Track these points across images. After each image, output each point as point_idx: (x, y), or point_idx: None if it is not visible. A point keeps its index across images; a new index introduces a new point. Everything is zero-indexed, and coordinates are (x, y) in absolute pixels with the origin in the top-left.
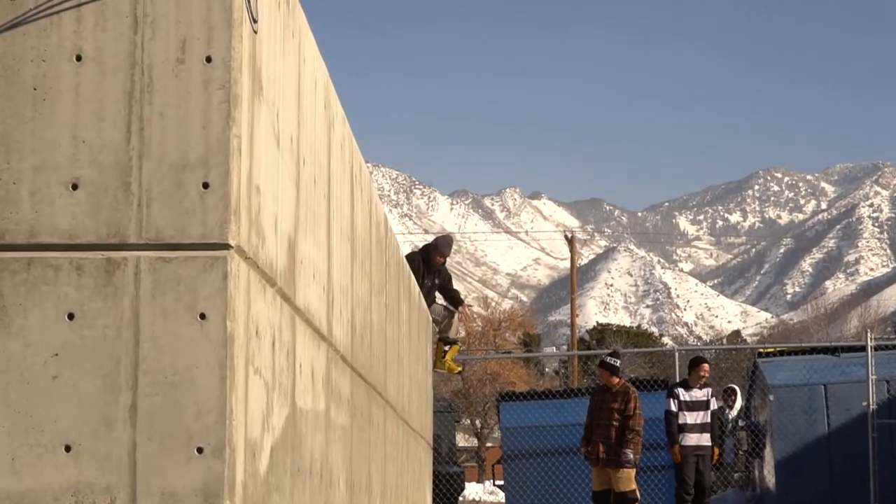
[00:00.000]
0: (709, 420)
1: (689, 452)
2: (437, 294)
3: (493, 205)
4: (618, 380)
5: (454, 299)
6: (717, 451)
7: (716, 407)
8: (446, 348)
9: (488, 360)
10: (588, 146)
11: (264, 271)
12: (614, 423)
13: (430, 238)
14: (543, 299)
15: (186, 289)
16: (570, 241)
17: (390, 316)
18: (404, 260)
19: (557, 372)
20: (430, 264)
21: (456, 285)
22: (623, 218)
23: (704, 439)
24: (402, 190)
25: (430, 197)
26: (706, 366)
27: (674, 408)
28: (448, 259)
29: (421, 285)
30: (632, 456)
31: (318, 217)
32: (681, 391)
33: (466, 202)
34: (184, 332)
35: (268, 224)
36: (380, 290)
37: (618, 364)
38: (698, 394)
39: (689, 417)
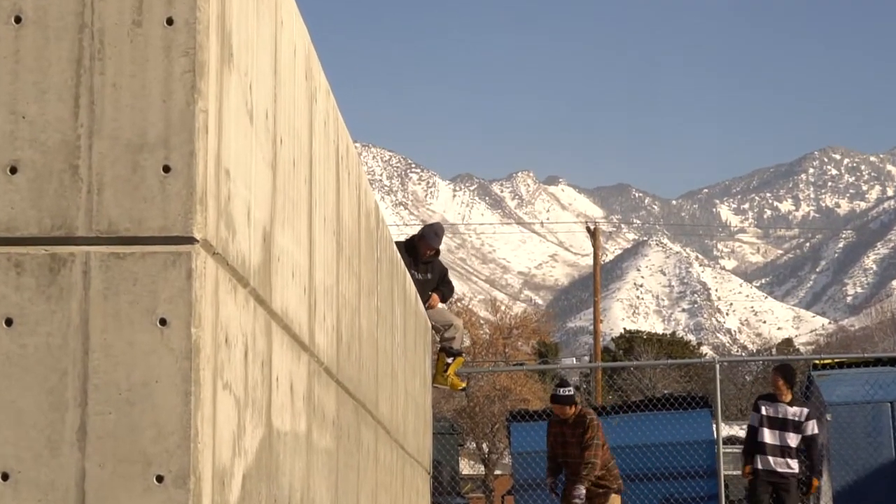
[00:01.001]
0: (795, 444)
1: (762, 478)
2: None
3: (502, 191)
4: (572, 409)
5: (441, 294)
6: (814, 482)
7: (815, 431)
8: (449, 360)
9: (497, 373)
10: (614, 124)
11: (235, 269)
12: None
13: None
14: (561, 302)
15: (144, 290)
16: (593, 234)
17: (383, 322)
18: (399, 256)
19: (578, 387)
20: (416, 256)
21: (457, 284)
22: (654, 207)
23: (785, 465)
24: (396, 174)
25: (428, 182)
26: (788, 376)
27: (754, 423)
28: (440, 250)
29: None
30: (583, 490)
31: (299, 205)
32: (764, 405)
33: (471, 188)
34: (141, 340)
35: (239, 214)
36: (370, 291)
37: (570, 393)
38: (788, 410)
39: (769, 436)
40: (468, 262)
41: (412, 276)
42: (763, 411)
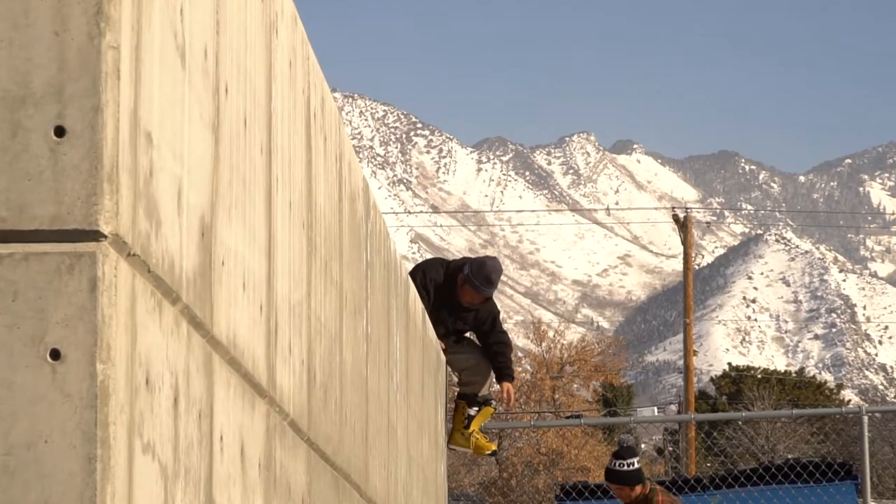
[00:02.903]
0: None
1: None
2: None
3: (550, 163)
4: (637, 490)
5: (499, 366)
6: None
7: None
8: (472, 412)
9: (542, 429)
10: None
11: (160, 278)
12: None
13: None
14: (637, 325)
15: (27, 308)
16: (683, 226)
17: (375, 354)
18: (397, 258)
19: (661, 450)
20: (453, 295)
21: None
22: (773, 185)
23: None
24: (394, 138)
25: (441, 150)
26: None
27: None
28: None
29: (433, 322)
30: None
31: (252, 185)
32: None
33: (504, 158)
34: (23, 381)
35: (166, 197)
36: (357, 309)
37: (633, 468)
38: None
39: None
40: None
41: (436, 319)
42: None
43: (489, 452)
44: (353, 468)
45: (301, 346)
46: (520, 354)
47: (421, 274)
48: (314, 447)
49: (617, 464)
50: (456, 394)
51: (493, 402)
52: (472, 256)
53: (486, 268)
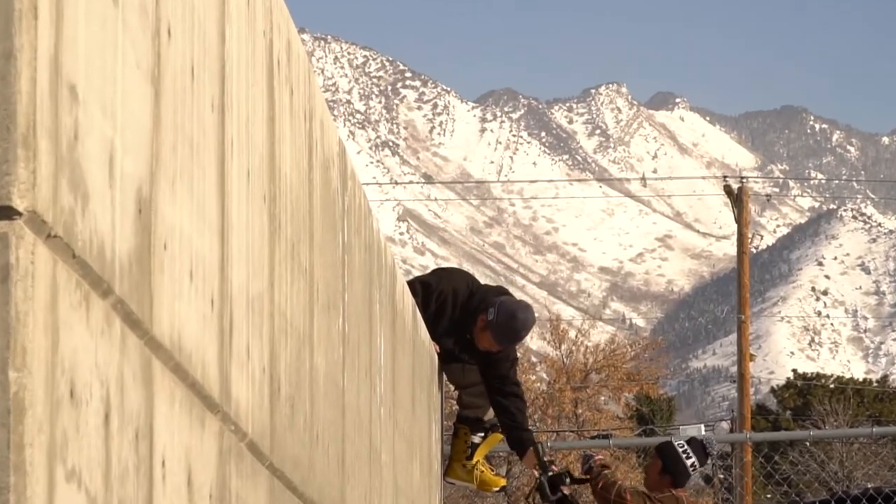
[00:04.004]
0: None
1: None
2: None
3: (572, 121)
4: (669, 482)
5: (512, 425)
6: None
7: None
8: (475, 439)
9: (561, 452)
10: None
11: (88, 265)
12: None
13: (436, 202)
14: (680, 323)
15: None
16: (737, 199)
17: (353, 359)
18: (382, 240)
19: (709, 478)
20: (467, 327)
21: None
22: (850, 149)
23: None
24: (377, 91)
25: (436, 105)
26: None
27: None
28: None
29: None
30: None
31: (201, 150)
32: None
33: (514, 116)
34: None
35: (95, 166)
36: (331, 303)
37: (691, 461)
38: None
39: None
40: (510, 250)
41: (442, 346)
42: None
43: (497, 489)
44: (326, 500)
45: (262, 349)
46: (534, 359)
47: (435, 280)
48: (278, 474)
49: (681, 447)
50: (457, 415)
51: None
52: (504, 296)
53: (516, 321)
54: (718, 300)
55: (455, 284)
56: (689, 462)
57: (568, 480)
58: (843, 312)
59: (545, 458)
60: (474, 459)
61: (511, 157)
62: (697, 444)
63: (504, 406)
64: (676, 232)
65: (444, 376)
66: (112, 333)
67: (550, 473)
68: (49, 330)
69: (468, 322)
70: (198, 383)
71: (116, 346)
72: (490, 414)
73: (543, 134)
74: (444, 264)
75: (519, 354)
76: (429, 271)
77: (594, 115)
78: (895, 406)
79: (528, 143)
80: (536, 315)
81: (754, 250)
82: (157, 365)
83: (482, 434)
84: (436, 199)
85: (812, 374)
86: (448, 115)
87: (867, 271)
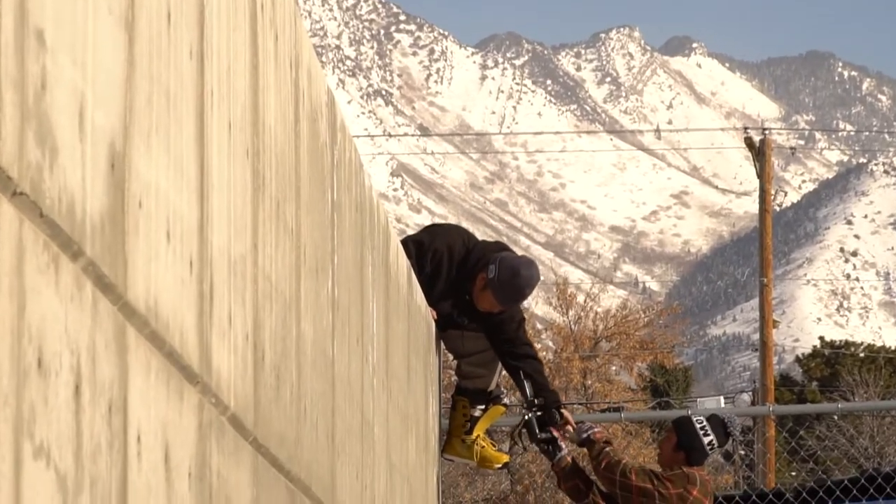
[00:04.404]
0: None
1: None
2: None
3: (580, 68)
4: (682, 457)
5: (538, 385)
6: None
7: None
8: (475, 413)
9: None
10: None
11: (57, 225)
12: None
13: (433, 155)
14: (697, 287)
15: None
16: (759, 152)
17: (343, 326)
18: (374, 197)
19: (729, 455)
20: (466, 288)
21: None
22: (881, 98)
23: None
24: (369, 35)
25: (433, 51)
26: None
27: None
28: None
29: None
30: None
31: (179, 102)
32: None
33: (517, 62)
34: None
35: (64, 118)
36: (319, 265)
37: (709, 438)
38: None
39: None
40: (513, 208)
41: (439, 310)
42: None
43: (499, 466)
44: (314, 478)
45: (245, 315)
46: (539, 326)
47: (428, 239)
48: (263, 451)
49: (699, 423)
50: (455, 387)
51: (503, 399)
52: (505, 252)
53: (519, 278)
54: (739, 262)
55: (450, 241)
56: (706, 440)
57: (559, 420)
58: (874, 275)
59: (534, 398)
60: (474, 434)
61: (514, 108)
62: (718, 422)
63: (521, 368)
64: (693, 188)
65: (443, 344)
66: (83, 299)
67: (539, 413)
68: (14, 295)
69: (466, 282)
70: (175, 352)
71: (88, 312)
72: (492, 384)
73: (549, 82)
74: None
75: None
76: (421, 229)
77: (604, 62)
78: None
79: (533, 91)
80: (542, 279)
81: (777, 208)
82: (131, 332)
83: (482, 407)
84: (432, 153)
85: (840, 341)
86: (445, 61)
87: None
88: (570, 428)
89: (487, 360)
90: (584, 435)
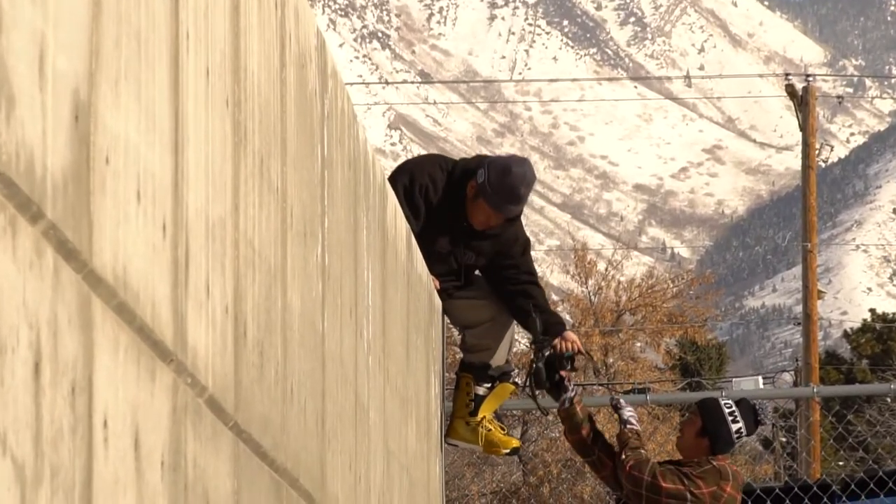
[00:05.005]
0: None
1: None
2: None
3: (600, 6)
4: (706, 445)
5: (540, 310)
6: None
7: None
8: (480, 390)
9: (588, 410)
10: None
11: (14, 184)
12: None
13: (436, 105)
14: (732, 254)
15: None
16: (802, 101)
17: (335, 297)
18: (370, 152)
19: (769, 442)
20: (459, 213)
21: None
22: None
23: None
24: None
25: None
26: None
27: None
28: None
29: (427, 257)
30: None
31: (151, 45)
32: None
33: (530, 1)
34: None
35: (22, 64)
36: (308, 229)
37: (738, 426)
38: None
39: None
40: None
41: (430, 251)
42: None
43: (508, 451)
44: (302, 468)
45: (224, 285)
46: (555, 297)
47: (407, 179)
48: (244, 437)
49: (728, 408)
50: (459, 363)
51: (514, 377)
52: (490, 155)
53: (511, 175)
54: (779, 225)
55: (430, 171)
56: (734, 427)
57: (569, 365)
58: None
59: (544, 340)
60: (479, 415)
61: (526, 52)
62: (748, 408)
63: (525, 294)
64: (728, 142)
65: (447, 318)
66: (43, 266)
67: (548, 353)
68: None
69: (457, 206)
70: (147, 327)
71: (48, 281)
72: (499, 359)
73: (566, 23)
74: None
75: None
76: (394, 172)
77: (627, 0)
78: None
79: (548, 33)
80: (556, 243)
81: (823, 164)
82: (97, 305)
83: (489, 385)
84: (435, 103)
85: (894, 314)
86: None
87: None
88: (575, 347)
89: (495, 331)
90: (623, 423)
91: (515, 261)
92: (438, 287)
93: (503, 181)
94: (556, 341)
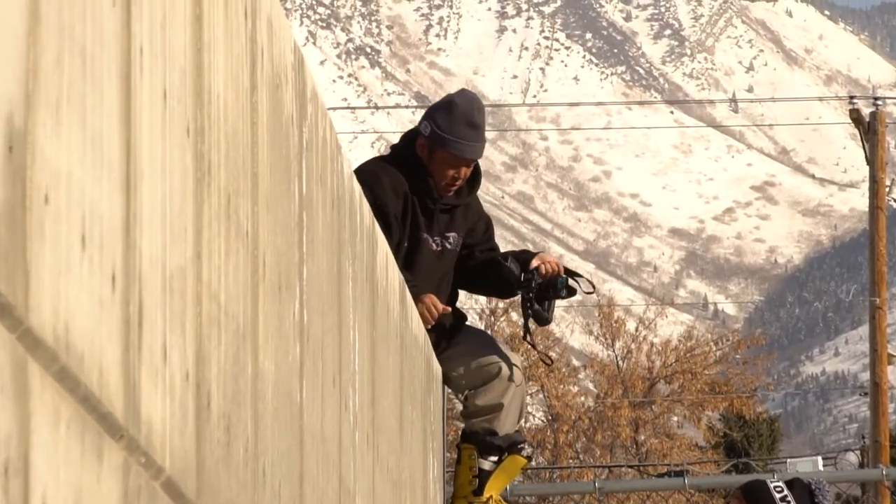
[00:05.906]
0: None
1: None
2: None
3: (630, 17)
4: None
5: (521, 256)
6: None
7: None
8: (485, 464)
9: (615, 495)
10: None
11: None
12: None
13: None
14: (787, 310)
15: None
16: (870, 128)
17: (315, 362)
18: (355, 188)
19: None
20: (426, 190)
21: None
22: None
23: None
24: None
25: None
26: None
27: None
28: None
29: (408, 265)
30: None
31: (98, 62)
32: None
33: (547, 10)
34: None
35: None
36: (283, 281)
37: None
38: None
39: None
40: (541, 204)
41: (413, 260)
42: None
43: None
44: None
45: (185, 347)
46: (575, 363)
47: (371, 197)
48: None
49: (778, 491)
50: (462, 432)
51: (526, 449)
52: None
53: (456, 106)
54: (843, 276)
55: (379, 182)
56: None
57: (564, 293)
58: None
59: (529, 274)
60: (485, 495)
61: (542, 70)
62: (803, 488)
63: (485, 259)
64: (781, 177)
65: (447, 388)
66: None
67: (539, 282)
68: None
69: (422, 183)
70: (93, 397)
71: None
72: (508, 426)
73: (589, 36)
74: None
75: (554, 355)
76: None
77: (662, 9)
78: None
79: (567, 49)
80: (577, 297)
81: (894, 204)
82: (34, 370)
83: (495, 458)
84: None
85: None
86: (451, 8)
87: None
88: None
89: (502, 390)
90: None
91: (480, 237)
92: (442, 311)
93: (452, 115)
94: (536, 263)
